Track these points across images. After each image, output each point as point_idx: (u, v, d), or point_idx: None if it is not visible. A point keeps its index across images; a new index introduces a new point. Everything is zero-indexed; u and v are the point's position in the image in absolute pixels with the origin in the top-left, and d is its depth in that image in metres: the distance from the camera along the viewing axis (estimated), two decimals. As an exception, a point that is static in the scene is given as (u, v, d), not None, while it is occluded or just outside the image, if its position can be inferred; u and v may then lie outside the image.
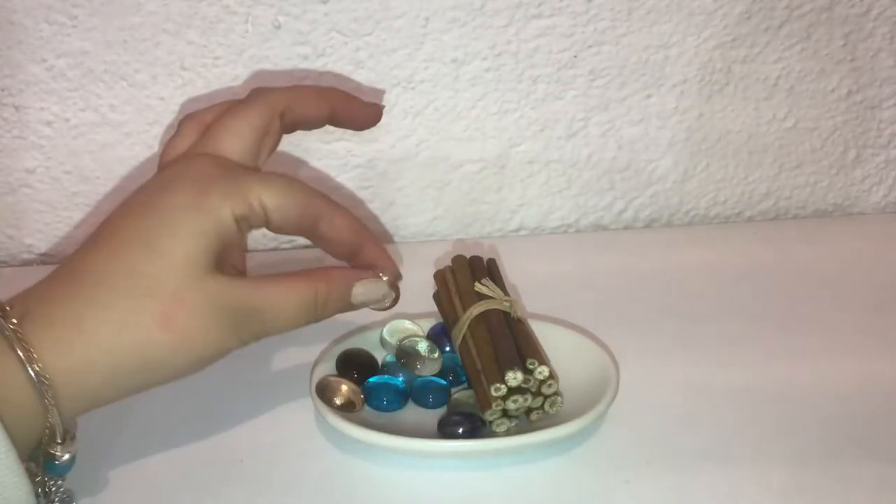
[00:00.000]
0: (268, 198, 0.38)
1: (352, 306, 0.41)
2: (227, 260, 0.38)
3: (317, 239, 0.41)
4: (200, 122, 0.42)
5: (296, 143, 0.57)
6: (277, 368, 0.47)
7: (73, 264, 0.36)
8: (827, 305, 0.52)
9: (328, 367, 0.45)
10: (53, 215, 0.58)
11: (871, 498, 0.39)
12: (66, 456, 0.34)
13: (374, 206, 0.60)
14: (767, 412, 0.44)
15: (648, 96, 0.59)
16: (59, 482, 0.35)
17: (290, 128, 0.43)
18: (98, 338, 0.34)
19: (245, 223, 0.38)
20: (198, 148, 0.40)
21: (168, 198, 0.37)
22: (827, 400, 0.45)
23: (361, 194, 0.59)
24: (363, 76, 0.55)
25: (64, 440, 0.34)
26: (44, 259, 0.59)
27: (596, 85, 0.58)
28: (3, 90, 0.54)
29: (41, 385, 0.33)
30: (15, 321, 0.33)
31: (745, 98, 0.59)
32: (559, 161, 0.60)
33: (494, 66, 0.56)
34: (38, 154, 0.56)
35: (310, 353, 0.46)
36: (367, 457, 0.41)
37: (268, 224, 0.39)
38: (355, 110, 0.44)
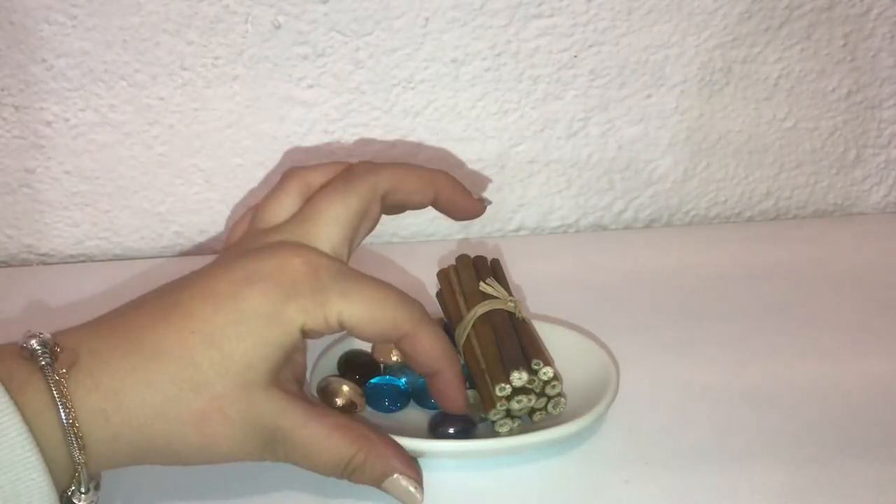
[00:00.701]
0: (347, 315, 0.37)
1: (377, 485, 0.38)
2: (288, 365, 0.37)
3: (401, 351, 0.40)
4: (305, 182, 0.41)
5: (296, 143, 0.57)
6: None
7: (140, 326, 0.36)
8: (827, 305, 0.52)
9: (329, 368, 0.45)
10: (53, 215, 0.58)
11: (871, 498, 0.39)
12: None
13: (374, 206, 0.60)
14: (767, 412, 0.44)
15: (648, 96, 0.59)
16: None
17: (389, 211, 0.42)
18: (133, 417, 0.34)
19: (314, 334, 0.37)
20: (295, 231, 0.39)
21: (250, 297, 0.36)
22: (827, 400, 0.45)
23: (361, 194, 0.59)
24: (363, 76, 0.55)
25: (88, 490, 0.34)
26: (44, 259, 0.59)
27: (596, 85, 0.58)
28: (3, 90, 0.54)
29: (75, 443, 0.33)
30: (64, 370, 0.33)
31: (745, 98, 0.59)
32: (559, 161, 0.60)
33: (494, 66, 0.56)
34: (38, 154, 0.56)
35: (310, 353, 0.46)
36: (367, 457, 0.41)
37: (337, 331, 0.38)
38: (460, 201, 0.43)
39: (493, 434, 0.41)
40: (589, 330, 0.48)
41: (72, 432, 0.33)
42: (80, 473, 0.34)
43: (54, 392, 0.33)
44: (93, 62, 0.53)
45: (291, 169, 0.42)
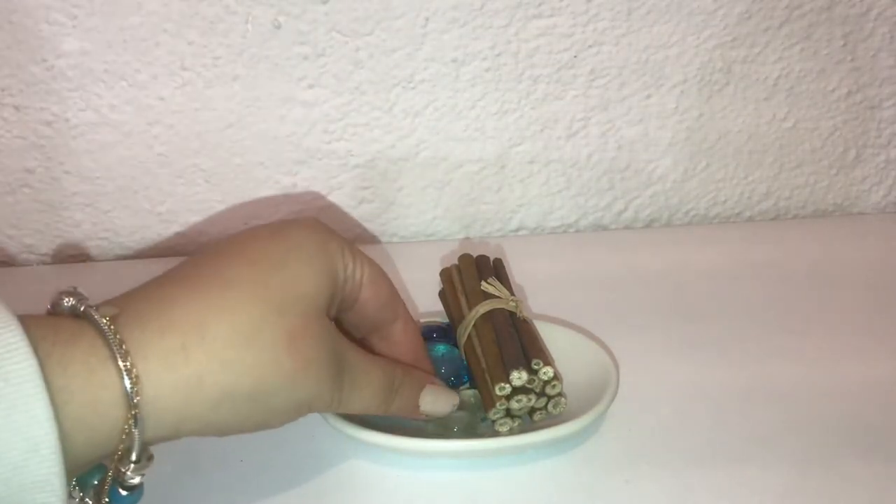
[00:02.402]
0: (367, 272, 0.37)
1: (417, 410, 0.39)
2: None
3: (385, 340, 0.40)
4: None
5: (296, 143, 0.57)
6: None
7: (189, 270, 0.33)
8: (827, 305, 0.52)
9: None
10: (53, 215, 0.58)
11: (871, 498, 0.39)
12: (136, 479, 0.30)
13: (374, 206, 0.60)
14: (767, 412, 0.44)
15: (648, 96, 0.59)
16: None
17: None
18: (221, 347, 0.30)
19: (345, 286, 0.36)
20: None
21: (297, 229, 0.35)
22: (827, 400, 0.45)
23: (361, 194, 0.59)
24: (363, 76, 0.55)
25: (139, 460, 0.30)
26: (44, 259, 0.59)
27: (596, 85, 0.58)
28: (3, 90, 0.54)
29: (131, 400, 0.29)
30: (107, 320, 0.30)
31: (745, 98, 0.59)
32: (559, 161, 0.60)
33: (494, 66, 0.56)
34: (38, 154, 0.56)
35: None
36: (367, 457, 0.41)
37: (354, 302, 0.37)
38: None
39: (493, 434, 0.41)
40: (589, 330, 0.48)
41: (131, 386, 0.28)
42: (130, 438, 0.29)
43: (111, 344, 0.29)
44: (93, 62, 0.53)
45: None
